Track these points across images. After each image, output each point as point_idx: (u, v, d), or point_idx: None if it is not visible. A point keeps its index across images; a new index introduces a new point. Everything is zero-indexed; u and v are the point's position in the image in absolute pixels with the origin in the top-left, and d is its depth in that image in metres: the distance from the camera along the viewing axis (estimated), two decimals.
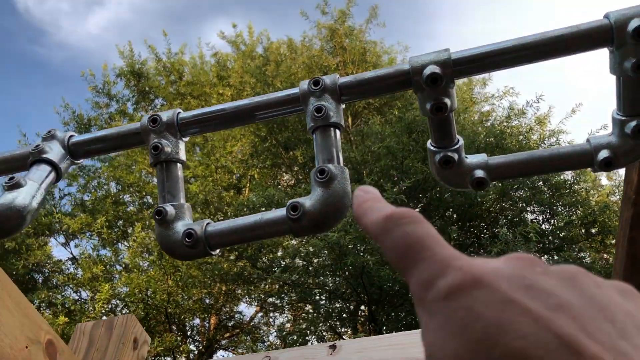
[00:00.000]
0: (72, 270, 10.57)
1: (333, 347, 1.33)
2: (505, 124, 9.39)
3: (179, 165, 0.84)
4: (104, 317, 8.41)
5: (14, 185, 0.76)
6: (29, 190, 0.77)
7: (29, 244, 9.84)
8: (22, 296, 1.25)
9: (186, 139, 0.86)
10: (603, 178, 10.97)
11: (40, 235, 10.62)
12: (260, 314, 11.21)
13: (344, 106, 0.82)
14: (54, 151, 0.84)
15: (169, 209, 0.80)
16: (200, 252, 0.78)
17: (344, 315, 8.18)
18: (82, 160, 0.89)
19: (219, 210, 9.17)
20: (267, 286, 9.59)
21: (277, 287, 8.89)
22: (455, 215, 8.39)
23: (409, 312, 7.84)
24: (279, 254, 9.78)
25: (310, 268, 6.99)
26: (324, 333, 8.68)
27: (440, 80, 0.76)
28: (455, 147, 0.83)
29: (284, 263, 7.94)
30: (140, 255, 9.35)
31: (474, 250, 8.22)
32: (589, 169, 0.87)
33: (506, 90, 10.76)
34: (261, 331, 11.45)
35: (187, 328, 10.56)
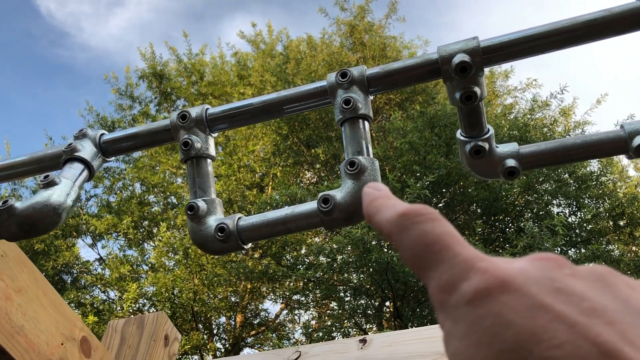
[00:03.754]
0: (99, 270, 10.74)
1: (363, 341, 1.33)
2: (528, 116, 9.27)
3: (208, 160, 0.85)
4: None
5: (49, 184, 0.78)
6: (64, 188, 0.79)
7: (58, 245, 10.02)
8: (57, 294, 1.28)
9: (215, 135, 0.87)
10: (630, 169, 10.77)
11: (68, 237, 10.81)
12: (285, 312, 11.26)
13: (372, 97, 0.81)
14: (86, 149, 0.86)
15: (201, 204, 0.81)
16: (232, 246, 0.79)
17: (369, 311, 8.17)
18: (112, 158, 0.90)
19: (242, 209, 9.22)
20: (292, 283, 9.63)
21: (302, 284, 8.91)
22: (479, 210, 8.31)
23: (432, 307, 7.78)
24: (303, 251, 9.81)
25: (334, 265, 6.99)
26: (350, 330, 8.68)
27: (469, 68, 0.75)
28: (486, 136, 0.82)
29: (307, 260, 7.95)
30: (166, 254, 9.46)
31: (500, 244, 8.14)
32: (620, 156, 0.85)
33: (529, 82, 10.62)
34: (287, 328, 11.50)
35: (214, 326, 10.66)
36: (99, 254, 11.29)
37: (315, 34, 12.05)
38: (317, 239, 9.86)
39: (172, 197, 12.06)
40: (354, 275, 7.55)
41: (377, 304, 8.44)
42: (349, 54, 9.94)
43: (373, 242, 6.66)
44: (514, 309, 0.26)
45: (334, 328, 8.55)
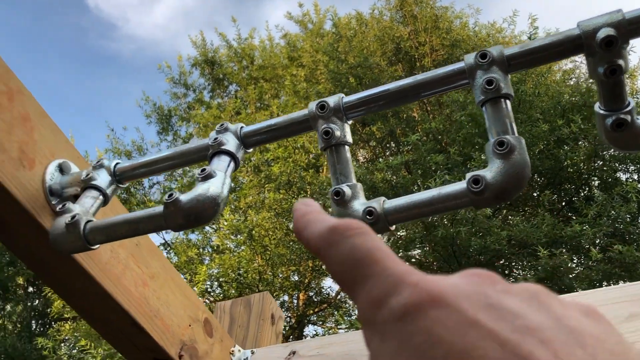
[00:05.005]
0: (165, 255, 11.14)
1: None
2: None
3: (346, 147, 0.88)
4: (203, 298, 8.85)
5: (207, 177, 0.83)
6: (219, 180, 0.84)
7: None
8: (182, 279, 1.35)
9: (350, 122, 0.90)
10: None
11: None
12: None
13: (509, 77, 0.82)
14: (230, 143, 0.91)
15: (346, 189, 0.84)
16: (380, 228, 0.82)
17: None
18: (252, 148, 0.95)
19: (301, 190, 9.33)
20: None
21: None
22: (544, 180, 8.10)
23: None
24: None
25: (399, 242, 7.00)
26: None
27: (615, 42, 0.75)
28: (628, 109, 0.81)
29: None
30: (229, 237, 9.71)
31: (567, 214, 7.93)
32: None
33: None
34: (347, 305, 11.65)
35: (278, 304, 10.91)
36: (164, 239, 11.70)
37: (363, 10, 11.92)
38: None
39: (171, 170, 12.29)
40: (418, 251, 7.54)
41: None
42: (401, 28, 9.79)
43: (438, 218, 6.63)
44: (445, 325, 0.25)
45: None
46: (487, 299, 0.26)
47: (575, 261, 6.83)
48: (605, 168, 8.37)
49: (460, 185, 0.78)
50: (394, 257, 0.30)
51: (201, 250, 10.25)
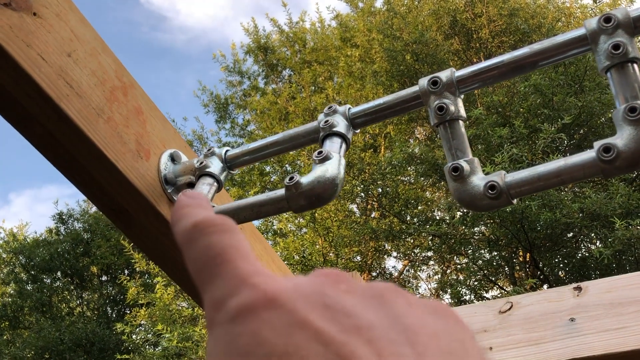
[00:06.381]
0: None
1: (578, 288, 1.33)
2: None
3: (460, 122, 0.87)
4: None
5: (324, 159, 0.84)
6: (335, 161, 0.85)
7: None
8: (281, 261, 1.39)
9: (462, 97, 0.89)
10: None
11: None
12: (407, 268, 11.37)
13: (635, 39, 0.79)
14: (341, 124, 0.91)
15: (464, 164, 0.83)
16: (503, 202, 0.81)
17: (501, 263, 8.03)
18: (359, 129, 0.95)
19: (362, 172, 9.33)
20: (415, 240, 9.67)
21: (429, 240, 8.92)
22: None
23: (570, 255, 7.50)
24: (420, 207, 9.78)
25: (466, 220, 6.90)
26: (476, 283, 8.59)
27: None
28: None
29: (438, 216, 7.92)
30: (292, 221, 9.84)
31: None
32: None
33: None
34: (410, 284, 11.63)
35: None
36: None
37: None
38: (437, 195, 9.78)
39: (287, 166, 12.45)
40: (485, 227, 7.42)
41: (506, 255, 8.27)
42: (456, 0, 9.54)
43: None
44: (273, 326, 0.24)
45: (459, 283, 8.47)
46: (325, 298, 0.26)
47: None
48: None
49: (589, 155, 0.76)
50: (248, 257, 0.29)
51: (265, 235, 10.45)
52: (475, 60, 10.09)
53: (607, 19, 0.78)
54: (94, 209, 14.49)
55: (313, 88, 12.58)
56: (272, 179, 12.55)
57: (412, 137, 11.16)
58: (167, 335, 8.06)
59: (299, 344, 0.24)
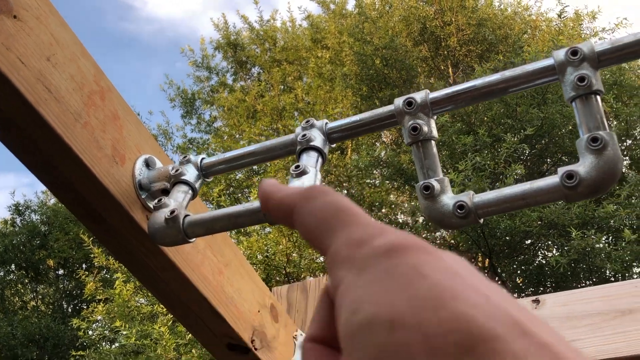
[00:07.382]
0: None
1: (536, 301, 1.38)
2: None
3: (433, 142, 0.90)
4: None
5: (301, 173, 0.86)
6: (312, 176, 0.87)
7: None
8: (250, 266, 1.40)
9: (435, 118, 0.92)
10: None
11: None
12: None
13: (598, 72, 0.84)
14: (317, 139, 0.94)
15: (435, 183, 0.87)
16: (470, 220, 0.85)
17: None
18: (335, 144, 0.97)
19: (328, 172, 9.37)
20: None
21: None
22: (574, 160, 8.02)
23: (527, 262, 7.70)
24: (383, 210, 9.89)
25: (428, 223, 7.01)
26: None
27: None
28: None
29: (401, 219, 8.01)
30: None
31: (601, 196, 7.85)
32: None
33: (618, 22, 9.98)
34: None
35: None
36: None
37: None
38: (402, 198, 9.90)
39: (255, 165, 12.38)
40: (445, 233, 7.55)
41: (466, 260, 8.38)
42: (426, 7, 9.68)
43: None
44: (431, 265, 0.26)
45: None
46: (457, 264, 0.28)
47: (606, 242, 6.78)
48: (634, 148, 8.25)
49: (553, 180, 0.80)
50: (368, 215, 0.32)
51: (229, 233, 10.38)
52: (442, 67, 10.26)
53: (574, 52, 0.82)
54: (53, 200, 14.11)
55: (282, 87, 12.56)
56: (237, 176, 12.48)
57: (378, 140, 11.26)
58: (125, 332, 7.93)
59: (459, 288, 0.25)
